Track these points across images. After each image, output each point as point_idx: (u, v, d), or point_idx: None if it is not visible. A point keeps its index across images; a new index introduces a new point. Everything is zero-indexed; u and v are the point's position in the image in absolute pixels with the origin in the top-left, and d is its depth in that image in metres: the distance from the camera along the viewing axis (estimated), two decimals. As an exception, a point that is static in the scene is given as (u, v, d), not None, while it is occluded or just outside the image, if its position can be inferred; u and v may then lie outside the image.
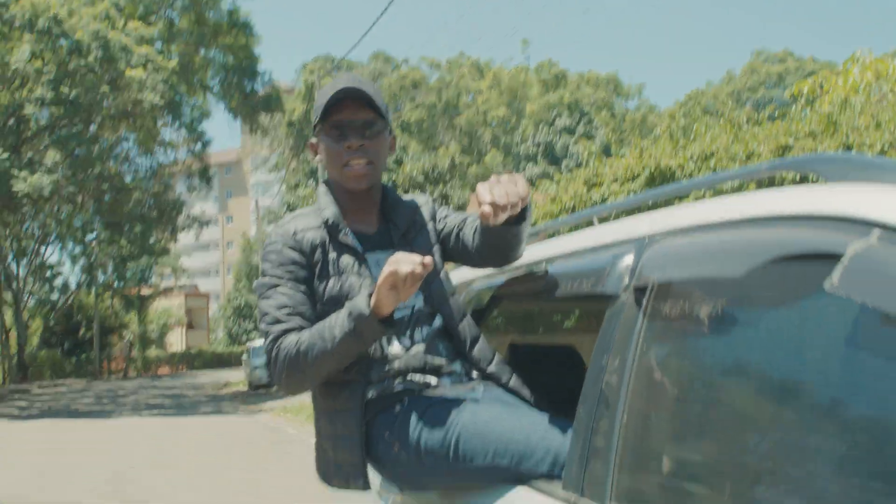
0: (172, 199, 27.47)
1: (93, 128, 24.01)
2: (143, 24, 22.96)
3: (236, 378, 32.23)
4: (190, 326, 56.57)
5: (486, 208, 1.95)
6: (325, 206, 2.31)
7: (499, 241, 2.21)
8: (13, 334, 38.31)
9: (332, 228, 2.27)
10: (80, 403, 23.24)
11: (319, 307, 2.22)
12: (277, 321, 2.17)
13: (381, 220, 2.39)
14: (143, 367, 48.30)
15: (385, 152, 2.34)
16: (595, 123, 37.31)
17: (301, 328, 2.17)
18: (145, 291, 47.37)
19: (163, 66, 21.58)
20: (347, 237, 2.25)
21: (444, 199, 27.59)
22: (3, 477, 9.72)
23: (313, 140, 2.39)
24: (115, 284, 44.60)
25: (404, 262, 1.93)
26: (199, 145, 27.81)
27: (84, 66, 20.41)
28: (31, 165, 20.87)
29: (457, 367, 2.28)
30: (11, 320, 38.23)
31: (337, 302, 2.18)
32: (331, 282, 2.23)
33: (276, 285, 2.22)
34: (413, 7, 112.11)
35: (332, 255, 2.26)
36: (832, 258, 1.25)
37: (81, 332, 44.98)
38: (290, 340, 2.12)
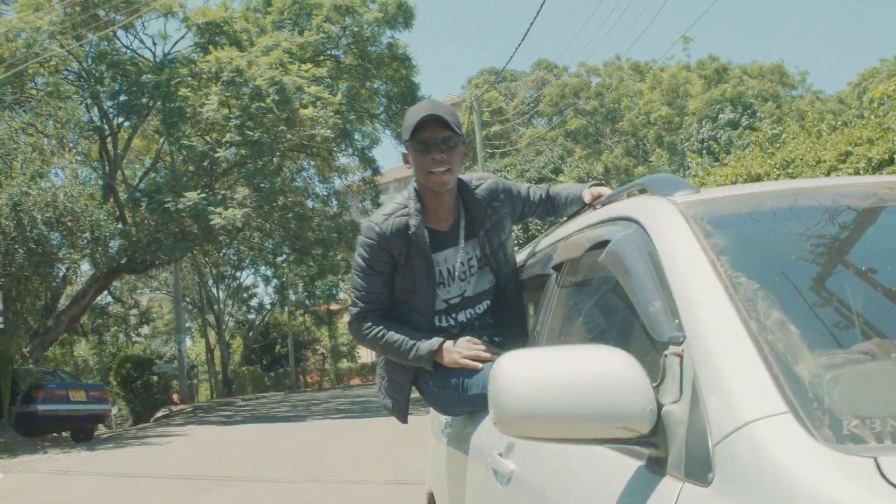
0: (349, 221, 30.44)
1: (275, 160, 27.11)
2: (313, 66, 25.98)
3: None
4: (379, 338, 59.76)
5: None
6: (413, 214, 3.03)
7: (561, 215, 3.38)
8: (217, 353, 42.70)
9: (414, 237, 3.01)
10: (277, 411, 26.39)
11: (396, 292, 3.11)
12: (363, 301, 3.11)
13: (458, 214, 3.16)
14: (336, 378, 51.61)
15: (460, 161, 3.06)
16: (759, 115, 37.69)
17: (380, 310, 3.11)
18: (334, 307, 50.33)
19: (331, 102, 24.38)
20: (425, 246, 3.04)
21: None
22: (212, 462, 12.54)
23: (405, 152, 3.11)
24: (306, 302, 48.09)
25: (465, 357, 2.92)
26: (369, 171, 30.61)
27: (263, 108, 23.40)
28: (224, 201, 24.11)
29: (484, 339, 3.08)
30: (215, 340, 42.62)
31: (408, 292, 3.08)
32: (406, 278, 3.06)
33: (368, 271, 3.07)
34: (569, 14, 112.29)
35: (412, 258, 3.04)
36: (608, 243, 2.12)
37: (277, 348, 48.74)
38: (376, 329, 3.08)
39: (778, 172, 11.95)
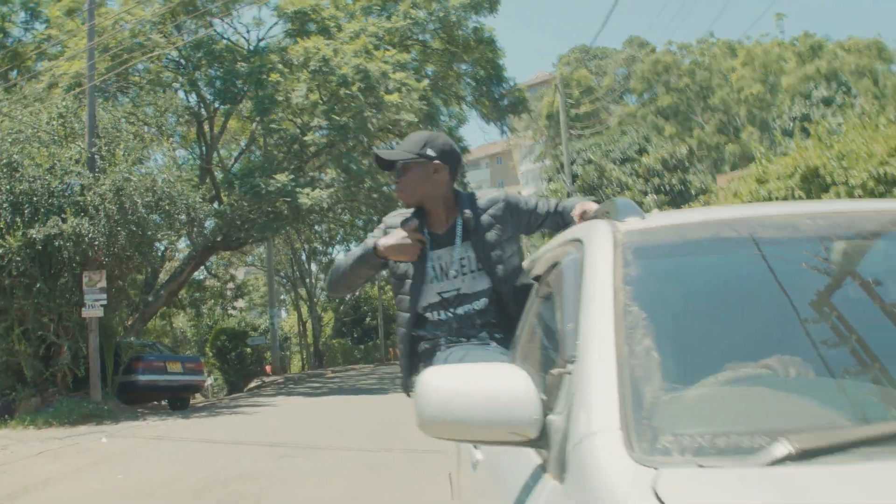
0: (436, 200, 31.35)
1: (364, 142, 28.11)
2: (399, 51, 26.90)
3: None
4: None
5: (576, 221, 3.31)
6: (412, 217, 3.57)
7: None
8: (309, 326, 44.25)
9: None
10: (363, 384, 27.55)
11: (392, 279, 3.62)
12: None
13: (455, 221, 3.58)
14: (425, 352, 52.57)
15: (416, 180, 3.54)
16: (854, 92, 37.10)
17: None
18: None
19: (415, 88, 25.23)
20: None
21: (684, 184, 29.65)
22: (296, 431, 13.63)
23: None
24: (395, 277, 49.16)
25: (394, 238, 3.40)
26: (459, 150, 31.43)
27: (350, 95, 24.42)
28: (312, 182, 25.26)
29: (483, 336, 3.46)
30: (307, 313, 44.15)
31: (402, 276, 3.54)
32: (401, 265, 3.54)
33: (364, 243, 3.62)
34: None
35: None
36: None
37: (367, 321, 49.83)
38: (337, 260, 3.74)
39: (834, 165, 12.32)
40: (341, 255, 4.81)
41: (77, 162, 18.19)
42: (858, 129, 13.20)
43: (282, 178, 23.52)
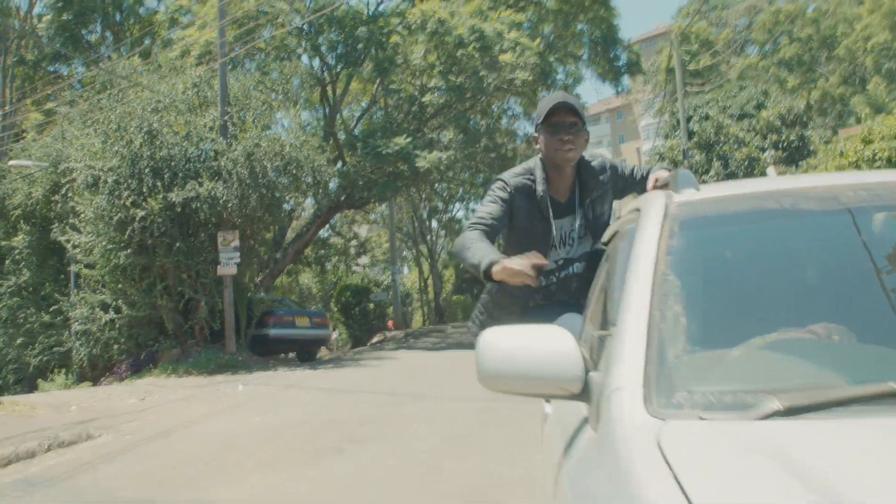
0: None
1: (482, 101, 28.64)
2: (514, 11, 27.33)
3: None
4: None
5: (650, 187, 3.44)
6: (539, 181, 3.63)
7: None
8: (430, 283, 45.28)
9: (540, 200, 3.65)
10: (481, 340, 28.40)
11: (515, 234, 3.69)
12: (481, 217, 3.58)
13: (574, 188, 3.72)
14: (543, 306, 52.88)
15: (582, 144, 3.64)
16: None
17: (489, 228, 3.54)
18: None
19: (529, 47, 25.61)
20: (548, 210, 3.66)
21: (802, 139, 29.18)
22: (412, 382, 14.33)
23: (535, 134, 3.75)
24: (514, 232, 49.58)
25: (517, 273, 3.10)
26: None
27: (466, 56, 24.99)
28: (431, 144, 26.01)
29: (572, 301, 3.64)
30: (428, 270, 45.18)
31: (525, 242, 3.52)
32: (524, 232, 3.66)
33: (494, 200, 3.63)
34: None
35: (532, 216, 3.66)
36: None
37: (486, 278, 50.64)
38: (470, 238, 3.48)
39: (942, 128, 12.33)
40: (467, 233, 3.66)
41: (211, 129, 19.33)
42: None
43: (400, 140, 24.26)
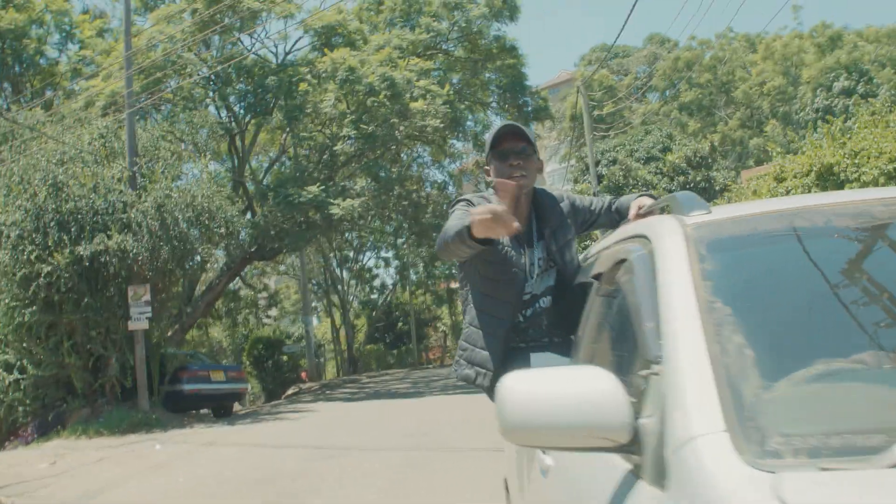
0: (462, 205, 31.89)
1: (392, 150, 28.65)
2: (423, 59, 27.54)
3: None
4: (499, 315, 60.70)
5: (631, 216, 3.30)
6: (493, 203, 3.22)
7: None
8: (342, 332, 44.84)
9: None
10: (398, 388, 27.95)
11: (479, 277, 3.45)
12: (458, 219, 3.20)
13: (531, 220, 3.48)
14: (457, 355, 53.08)
15: (534, 169, 3.46)
16: (876, 81, 37.27)
17: None
18: (454, 285, 51.78)
19: (439, 94, 25.79)
20: (512, 238, 3.38)
21: (708, 181, 30.04)
22: (337, 434, 14.13)
23: (486, 167, 3.57)
24: (427, 282, 49.72)
25: (493, 217, 2.86)
26: (483, 154, 31.97)
27: (377, 103, 25.01)
28: (344, 192, 25.85)
29: (545, 341, 3.44)
30: (340, 320, 44.74)
31: (492, 280, 3.43)
32: (492, 266, 3.40)
33: (457, 217, 3.24)
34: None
35: (497, 247, 3.36)
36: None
37: (400, 326, 50.30)
38: (446, 229, 3.22)
39: (848, 162, 12.67)
40: (452, 219, 3.39)
41: (119, 180, 18.86)
42: (870, 127, 13.44)
43: (313, 188, 24.08)
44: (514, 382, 1.76)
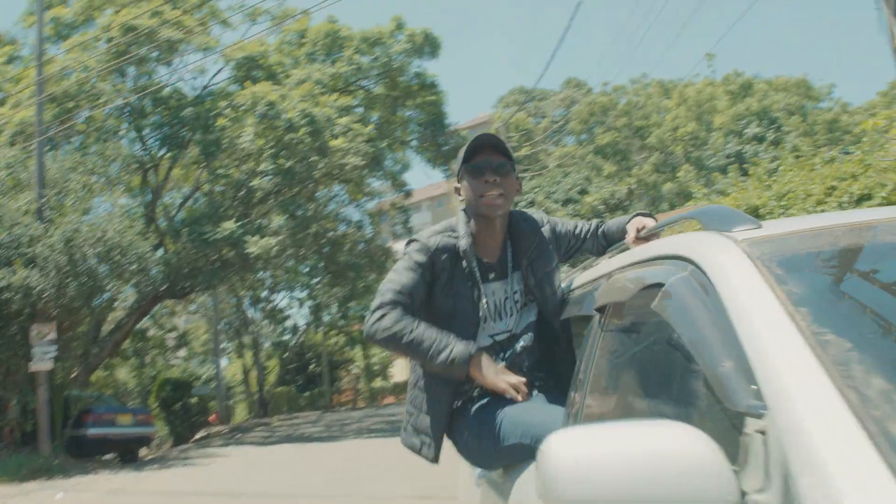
0: (380, 246, 31.62)
1: (309, 187, 28.19)
2: (343, 96, 27.27)
3: (451, 404, 35.73)
4: (412, 357, 60.48)
5: (629, 239, 2.92)
6: (462, 236, 2.92)
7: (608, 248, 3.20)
8: (253, 374, 43.93)
9: (463, 255, 2.91)
10: (311, 431, 27.40)
11: (431, 316, 2.90)
12: (396, 291, 2.84)
13: (506, 246, 3.04)
14: (370, 397, 52.74)
15: (513, 188, 2.99)
16: (784, 129, 38.40)
17: (411, 307, 2.85)
18: (367, 327, 51.50)
19: (360, 132, 25.54)
20: (473, 268, 2.93)
21: (626, 225, 30.30)
22: (250, 480, 13.60)
23: (457, 185, 3.09)
24: (340, 323, 49.30)
25: (507, 385, 2.74)
26: (400, 193, 31.82)
27: (296, 139, 24.58)
28: (260, 229, 25.29)
29: (533, 384, 2.93)
30: (251, 361, 43.85)
31: (447, 316, 2.90)
32: (447, 300, 2.90)
33: (410, 269, 2.88)
34: (596, 34, 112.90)
35: (456, 279, 2.91)
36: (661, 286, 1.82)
37: (312, 368, 49.35)
38: (404, 322, 2.78)
39: (774, 204, 12.72)
40: (391, 314, 2.79)
41: (26, 213, 18.08)
42: (795, 169, 13.51)
43: (229, 225, 23.52)
44: (566, 447, 1.36)
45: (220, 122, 24.68)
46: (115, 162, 23.00)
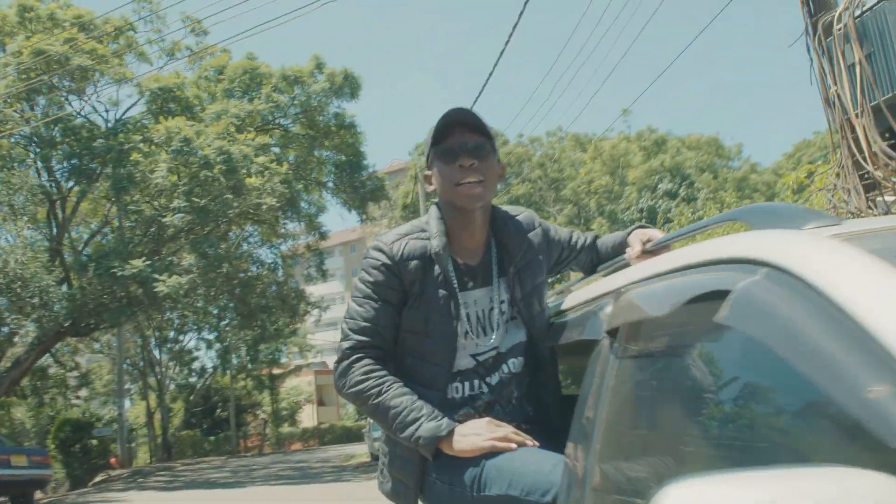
0: (293, 288, 31.18)
1: (222, 227, 27.73)
2: (260, 134, 26.96)
3: (362, 451, 35.28)
4: (321, 403, 59.92)
5: (632, 254, 2.50)
6: (435, 234, 2.41)
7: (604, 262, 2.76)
8: (157, 417, 42.78)
9: (436, 258, 2.39)
10: (217, 477, 26.74)
11: (401, 333, 2.44)
12: (359, 332, 2.40)
13: (489, 247, 2.52)
14: (277, 443, 51.87)
15: (494, 174, 2.46)
16: (696, 185, 39.39)
17: (379, 349, 2.41)
18: (277, 371, 50.74)
19: (277, 172, 25.23)
20: (448, 273, 2.41)
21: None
22: None
23: (427, 172, 2.54)
24: (249, 366, 48.52)
25: (490, 438, 2.22)
26: (315, 236, 31.49)
27: (211, 177, 24.14)
28: (170, 267, 24.69)
29: (522, 424, 2.40)
30: (156, 403, 42.71)
31: (420, 336, 2.40)
32: (417, 313, 2.39)
33: (371, 297, 2.40)
34: (514, 84, 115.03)
35: (428, 287, 2.39)
36: (727, 294, 1.38)
37: (218, 412, 48.78)
38: (370, 380, 2.35)
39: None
40: (356, 367, 2.39)
41: (-78, 240, 17.33)
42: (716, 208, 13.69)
43: (138, 262, 22.91)
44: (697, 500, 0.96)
45: (134, 156, 24.09)
46: (20, 191, 22.20)
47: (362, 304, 2.42)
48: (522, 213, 2.64)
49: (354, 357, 2.40)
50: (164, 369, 44.20)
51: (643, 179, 42.28)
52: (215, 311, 38.00)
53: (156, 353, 43.79)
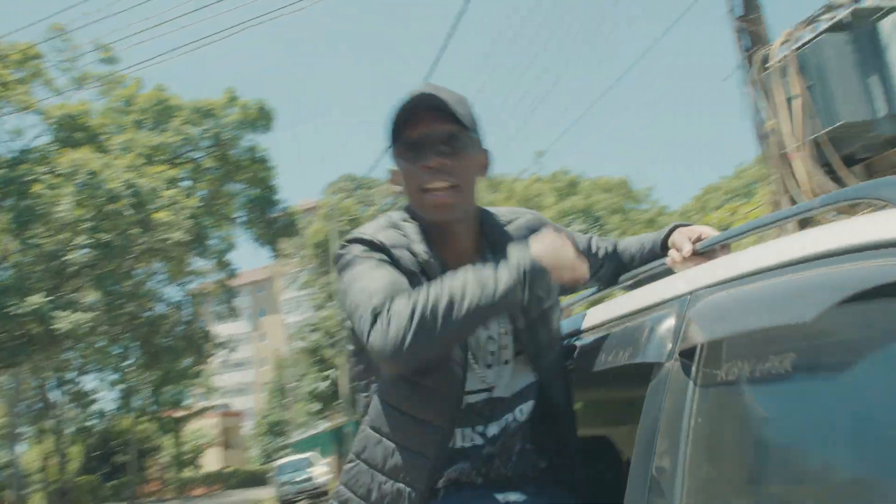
0: (200, 328, 30.29)
1: (126, 264, 26.77)
2: (170, 167, 26.19)
3: (268, 495, 34.37)
4: (226, 445, 58.61)
5: (679, 257, 1.96)
6: (415, 241, 1.86)
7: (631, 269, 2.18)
8: (53, 461, 40.97)
9: (424, 265, 1.83)
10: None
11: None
12: (382, 290, 1.72)
13: (483, 255, 1.93)
14: (179, 488, 50.37)
15: (473, 172, 1.90)
16: (608, 227, 39.96)
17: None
18: (181, 413, 49.63)
19: (186, 206, 24.51)
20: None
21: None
22: None
23: (392, 168, 1.95)
24: (152, 408, 47.07)
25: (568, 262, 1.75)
26: (225, 274, 30.68)
27: (117, 211, 23.28)
28: (72, 304, 23.68)
29: (529, 485, 1.90)
30: (52, 447, 40.92)
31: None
32: None
33: (379, 266, 1.79)
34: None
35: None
36: None
37: (118, 456, 47.27)
38: (414, 297, 1.66)
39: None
40: (413, 297, 1.61)
41: None
42: None
43: (36, 299, 21.90)
44: None
45: (37, 187, 23.06)
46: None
47: (371, 275, 1.76)
48: (525, 217, 2.07)
49: (389, 304, 1.68)
50: (61, 411, 42.40)
51: (556, 220, 42.51)
52: (118, 351, 36.65)
53: (53, 394, 42.00)
